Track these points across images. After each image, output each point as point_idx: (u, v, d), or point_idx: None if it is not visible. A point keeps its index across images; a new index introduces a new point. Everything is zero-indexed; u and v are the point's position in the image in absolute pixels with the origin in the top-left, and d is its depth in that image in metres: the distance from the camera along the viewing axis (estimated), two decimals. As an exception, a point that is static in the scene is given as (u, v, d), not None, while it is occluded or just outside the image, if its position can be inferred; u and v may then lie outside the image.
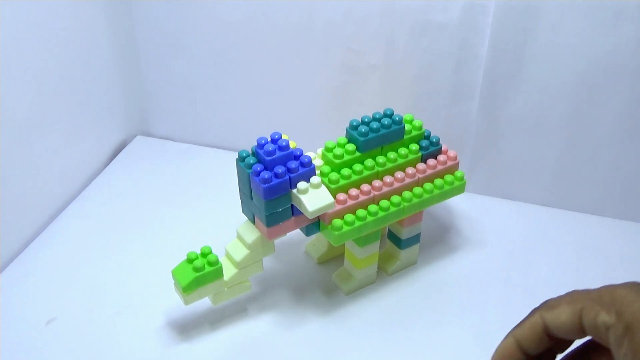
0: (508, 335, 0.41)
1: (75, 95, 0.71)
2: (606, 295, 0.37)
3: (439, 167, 0.58)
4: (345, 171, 0.54)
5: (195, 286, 0.53)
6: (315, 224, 0.55)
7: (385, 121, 0.56)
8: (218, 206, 0.68)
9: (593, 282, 0.64)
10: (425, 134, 0.59)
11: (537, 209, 0.72)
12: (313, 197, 0.52)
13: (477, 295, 0.61)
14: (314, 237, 0.61)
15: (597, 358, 0.41)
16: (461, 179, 0.59)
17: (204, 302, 0.56)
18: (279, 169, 0.50)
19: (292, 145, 0.53)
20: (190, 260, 0.53)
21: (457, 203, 0.71)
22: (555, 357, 0.42)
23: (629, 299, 0.36)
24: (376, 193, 0.55)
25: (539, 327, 0.40)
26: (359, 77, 0.70)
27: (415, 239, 0.62)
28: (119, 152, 0.80)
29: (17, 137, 0.62)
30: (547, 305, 0.40)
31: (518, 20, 0.61)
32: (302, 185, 0.51)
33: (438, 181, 0.58)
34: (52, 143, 0.68)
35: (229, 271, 0.55)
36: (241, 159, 0.52)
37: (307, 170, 0.52)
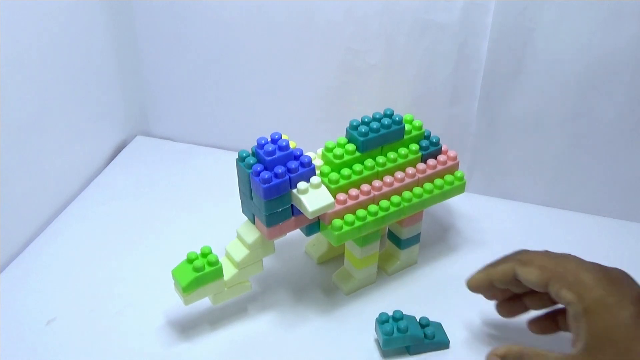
0: (483, 270, 0.51)
1: (75, 96, 0.71)
2: (571, 275, 0.44)
3: (439, 167, 0.58)
4: (345, 171, 0.54)
5: (195, 286, 0.53)
6: (315, 224, 0.55)
7: (385, 121, 0.56)
8: (218, 206, 0.68)
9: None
10: (425, 134, 0.59)
11: (537, 209, 0.72)
12: (313, 197, 0.52)
13: (477, 295, 0.61)
14: (314, 237, 0.61)
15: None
16: (461, 179, 0.59)
17: (204, 302, 0.56)
18: (279, 169, 0.50)
19: (292, 145, 0.53)
20: (190, 261, 0.53)
21: (457, 203, 0.70)
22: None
23: (590, 284, 0.43)
24: (376, 193, 0.55)
25: (510, 274, 0.48)
26: (359, 77, 0.70)
27: (415, 239, 0.62)
28: (119, 152, 0.80)
29: (17, 137, 0.62)
30: (521, 260, 0.48)
31: (518, 20, 0.61)
32: (302, 185, 0.51)
33: (438, 181, 0.58)
34: (52, 143, 0.68)
35: (229, 271, 0.55)
36: (241, 159, 0.52)
37: (307, 170, 0.52)
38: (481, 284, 0.51)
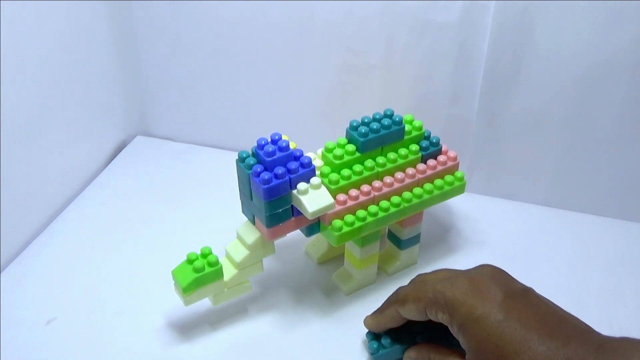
0: (373, 317, 0.54)
1: (75, 95, 0.71)
2: (440, 297, 0.47)
3: (439, 168, 0.58)
4: (345, 172, 0.54)
5: (195, 287, 0.53)
6: (315, 225, 0.55)
7: (385, 122, 0.56)
8: (218, 207, 0.68)
9: (593, 282, 0.65)
10: (425, 134, 0.59)
11: (537, 209, 0.72)
12: (313, 197, 0.52)
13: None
14: (314, 237, 0.61)
15: None
16: (461, 179, 0.59)
17: (204, 303, 0.56)
18: (279, 170, 0.50)
19: (292, 145, 0.53)
20: (190, 261, 0.53)
21: (457, 203, 0.70)
22: None
23: (459, 301, 0.46)
24: (376, 194, 0.55)
25: (397, 316, 0.52)
26: (359, 77, 0.70)
27: (415, 240, 0.62)
28: (119, 152, 0.80)
29: (17, 137, 0.62)
30: (399, 300, 0.51)
31: (518, 20, 0.61)
32: (302, 186, 0.51)
33: (438, 181, 0.58)
34: (52, 143, 0.68)
35: (229, 272, 0.55)
36: (241, 160, 0.52)
37: (307, 171, 0.52)
38: (374, 328, 0.54)
